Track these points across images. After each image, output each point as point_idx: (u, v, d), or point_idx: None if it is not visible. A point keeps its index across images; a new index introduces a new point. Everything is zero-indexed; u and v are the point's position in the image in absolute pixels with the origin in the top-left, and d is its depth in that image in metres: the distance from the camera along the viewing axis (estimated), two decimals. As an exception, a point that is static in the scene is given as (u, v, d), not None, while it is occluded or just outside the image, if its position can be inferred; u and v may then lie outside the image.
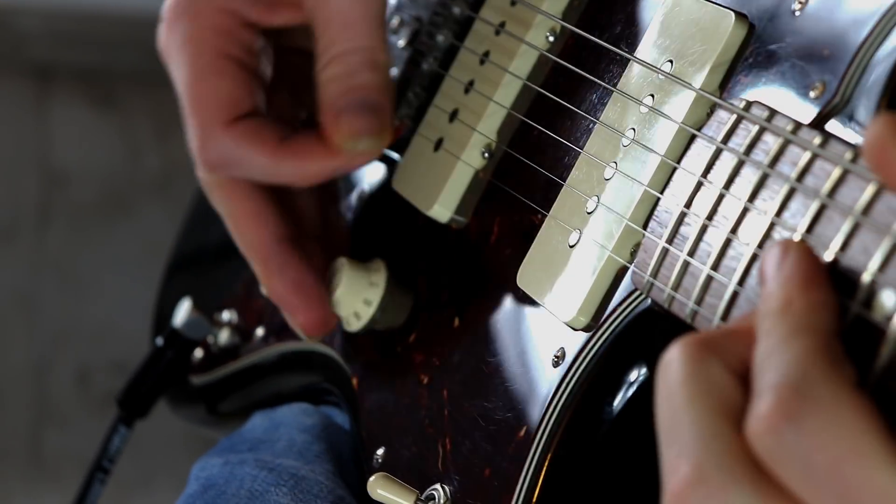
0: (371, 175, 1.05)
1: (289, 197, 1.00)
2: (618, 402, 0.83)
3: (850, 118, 0.74)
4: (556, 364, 0.85)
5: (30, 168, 2.43)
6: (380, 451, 0.94)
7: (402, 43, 1.05)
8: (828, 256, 0.68)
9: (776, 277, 0.67)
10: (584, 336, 0.84)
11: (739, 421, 0.65)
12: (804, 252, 0.68)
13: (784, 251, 0.67)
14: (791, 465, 0.63)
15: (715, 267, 0.75)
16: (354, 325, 0.99)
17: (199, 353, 1.14)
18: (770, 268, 0.67)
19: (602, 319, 0.83)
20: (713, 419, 0.65)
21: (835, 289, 0.67)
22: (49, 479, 2.25)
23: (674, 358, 0.67)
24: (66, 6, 2.39)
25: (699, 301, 0.76)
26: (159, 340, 1.13)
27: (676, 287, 0.78)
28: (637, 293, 0.82)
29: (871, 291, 0.65)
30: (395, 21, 1.06)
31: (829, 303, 0.66)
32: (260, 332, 1.10)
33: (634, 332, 0.83)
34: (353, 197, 1.05)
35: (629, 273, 0.83)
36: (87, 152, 2.43)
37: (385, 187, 1.03)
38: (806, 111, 0.75)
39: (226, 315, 1.13)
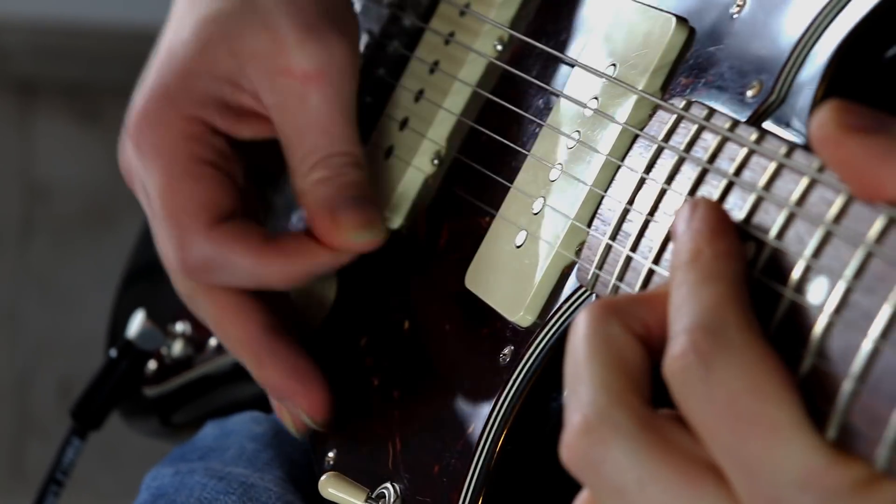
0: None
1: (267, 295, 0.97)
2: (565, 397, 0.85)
3: (786, 115, 0.76)
4: (503, 362, 0.87)
5: (13, 182, 2.44)
6: (331, 454, 0.96)
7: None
8: (764, 246, 0.69)
9: (686, 232, 0.69)
10: (531, 334, 0.86)
11: (635, 378, 0.68)
12: (711, 206, 0.70)
13: (692, 208, 0.70)
14: (695, 401, 0.65)
15: (656, 261, 0.77)
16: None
17: (152, 364, 1.15)
18: (680, 225, 0.70)
19: (548, 317, 0.85)
20: (606, 373, 0.68)
21: (770, 275, 0.68)
22: (30, 492, 2.25)
23: (580, 319, 0.70)
24: (49, 21, 2.40)
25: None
26: (113, 352, 1.13)
27: (619, 280, 0.79)
28: (582, 290, 0.84)
29: (805, 278, 0.66)
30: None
31: (736, 251, 0.68)
32: (213, 342, 1.11)
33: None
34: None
35: (574, 270, 0.84)
36: (71, 166, 2.44)
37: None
38: (744, 109, 0.77)
39: (179, 326, 1.14)
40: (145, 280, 1.22)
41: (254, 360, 0.95)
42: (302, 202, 0.94)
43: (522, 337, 0.86)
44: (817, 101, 0.74)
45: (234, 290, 0.96)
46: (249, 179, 0.98)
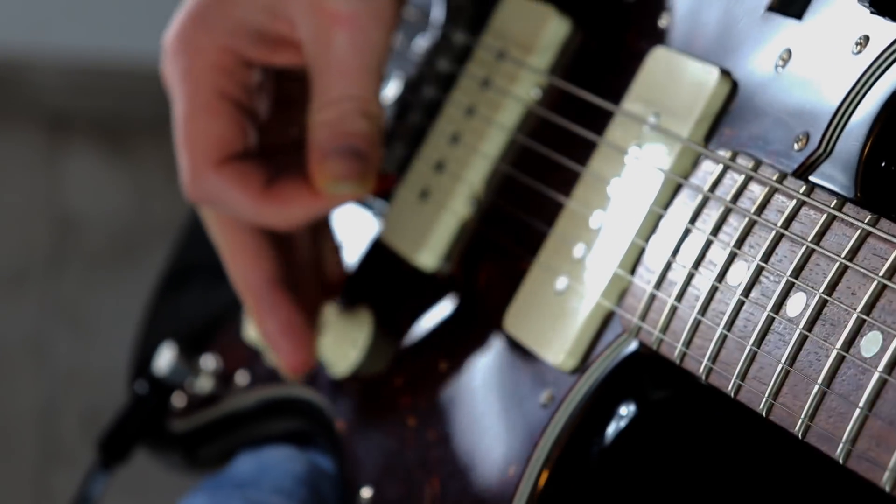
0: (359, 222, 1.08)
1: (285, 235, 1.02)
2: (606, 439, 0.86)
3: (832, 169, 0.76)
4: (544, 405, 0.87)
5: (42, 215, 2.46)
6: (365, 492, 0.96)
7: (389, 97, 1.08)
8: (814, 299, 0.70)
9: None
10: (572, 378, 0.87)
11: None
12: None
13: None
14: None
15: (703, 311, 0.77)
16: (339, 371, 1.01)
17: (179, 399, 1.15)
18: None
19: (589, 361, 0.86)
20: None
21: (820, 329, 0.68)
22: (55, 523, 2.25)
23: None
24: (81, 57, 2.43)
25: (688, 343, 0.78)
26: (139, 385, 1.14)
27: (665, 330, 0.80)
28: (624, 335, 0.84)
29: (858, 332, 0.67)
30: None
31: None
32: (240, 377, 1.12)
33: (622, 372, 0.85)
34: (341, 244, 1.07)
35: (617, 316, 0.85)
36: (100, 200, 2.46)
37: (372, 234, 1.06)
38: (791, 162, 0.78)
39: (207, 360, 1.14)
40: (172, 311, 1.23)
41: (253, 307, 1.00)
42: (307, 138, 0.96)
43: (562, 381, 0.87)
44: (864, 156, 0.75)
45: (251, 232, 0.99)
46: (277, 110, 1.00)
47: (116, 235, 2.48)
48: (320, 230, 1.04)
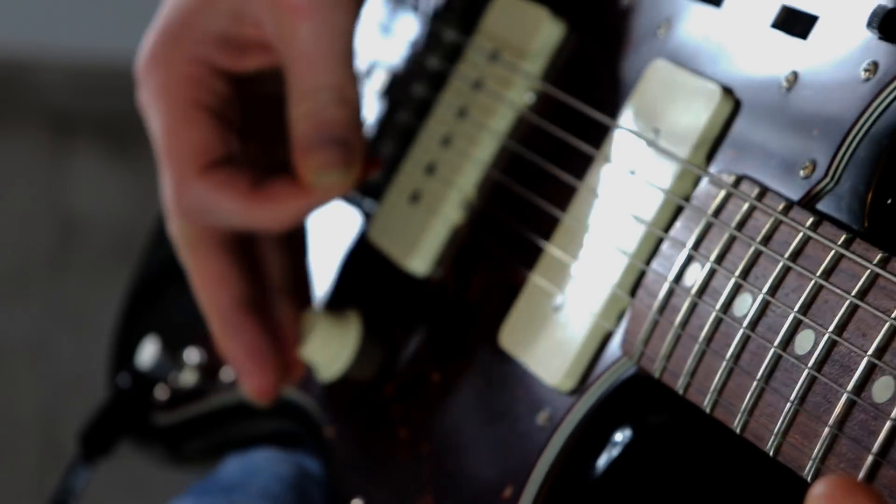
0: (348, 222, 1.06)
1: (257, 253, 1.01)
2: (602, 462, 0.84)
3: (841, 198, 0.74)
4: (541, 425, 0.86)
5: (45, 216, 2.45)
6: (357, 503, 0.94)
7: (376, 91, 1.06)
8: (823, 338, 0.67)
9: None
10: (569, 398, 0.85)
11: None
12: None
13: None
14: None
15: (707, 342, 0.76)
16: (327, 375, 0.99)
17: (162, 391, 1.13)
18: None
19: (588, 382, 0.84)
20: None
21: (829, 371, 0.66)
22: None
23: None
24: (84, 59, 2.42)
25: (692, 374, 0.76)
26: (122, 379, 1.12)
27: (667, 359, 0.78)
28: (624, 359, 0.83)
29: (869, 377, 0.64)
30: (369, 68, 1.06)
31: None
32: (226, 373, 1.09)
33: (620, 395, 0.84)
34: (329, 244, 1.05)
35: (618, 339, 0.83)
36: (103, 201, 2.45)
37: (362, 235, 1.03)
38: (795, 189, 0.76)
39: (192, 353, 1.12)
40: (154, 303, 1.20)
41: (218, 328, 1.00)
42: (290, 135, 0.95)
43: (560, 402, 0.85)
44: (873, 189, 0.73)
45: (219, 253, 0.99)
46: (251, 122, 1.00)
47: (119, 237, 2.47)
48: (294, 240, 1.03)
